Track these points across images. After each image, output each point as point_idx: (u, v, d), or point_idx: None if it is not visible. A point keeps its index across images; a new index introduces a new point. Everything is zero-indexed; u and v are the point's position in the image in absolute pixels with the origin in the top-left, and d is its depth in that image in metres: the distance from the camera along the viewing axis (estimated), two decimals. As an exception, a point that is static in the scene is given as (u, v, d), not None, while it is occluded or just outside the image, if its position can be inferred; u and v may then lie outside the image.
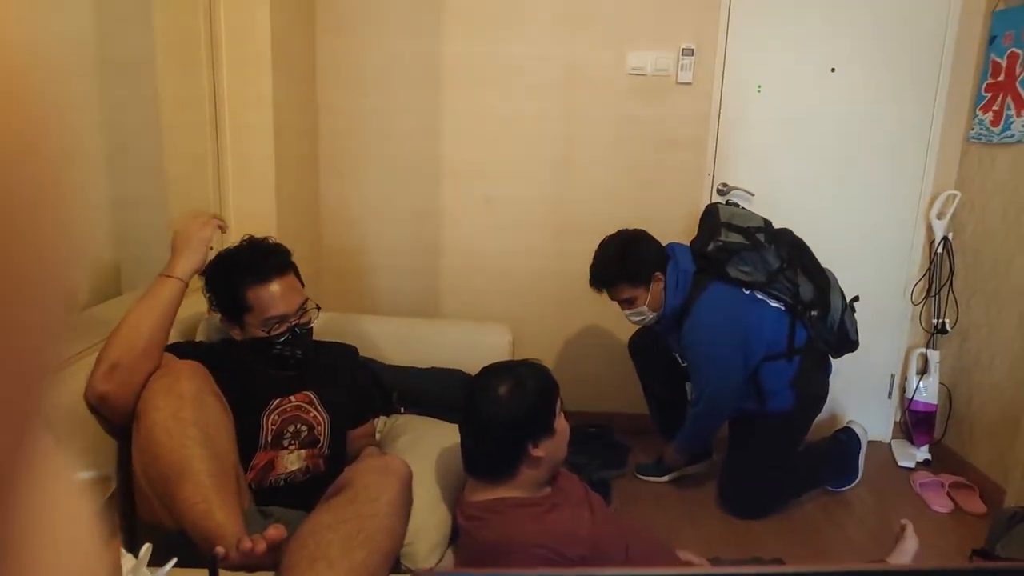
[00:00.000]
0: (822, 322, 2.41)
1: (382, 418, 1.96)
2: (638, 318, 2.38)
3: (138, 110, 2.16)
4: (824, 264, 2.57)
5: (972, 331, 2.76)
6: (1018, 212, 2.51)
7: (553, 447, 1.48)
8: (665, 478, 2.64)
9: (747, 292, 2.32)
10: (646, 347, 2.63)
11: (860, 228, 2.89)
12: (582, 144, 2.82)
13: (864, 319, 2.94)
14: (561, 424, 1.51)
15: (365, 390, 1.82)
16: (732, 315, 2.31)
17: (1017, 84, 2.48)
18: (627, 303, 2.35)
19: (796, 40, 2.75)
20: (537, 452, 1.46)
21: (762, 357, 2.34)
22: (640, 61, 2.73)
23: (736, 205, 2.55)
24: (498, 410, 1.43)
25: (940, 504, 2.57)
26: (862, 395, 3.04)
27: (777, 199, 2.85)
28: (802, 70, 2.77)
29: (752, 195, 2.85)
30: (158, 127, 2.13)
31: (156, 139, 2.14)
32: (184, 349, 1.49)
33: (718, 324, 2.30)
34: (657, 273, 2.31)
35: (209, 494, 1.18)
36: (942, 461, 2.87)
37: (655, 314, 2.36)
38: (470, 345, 2.21)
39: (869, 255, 2.91)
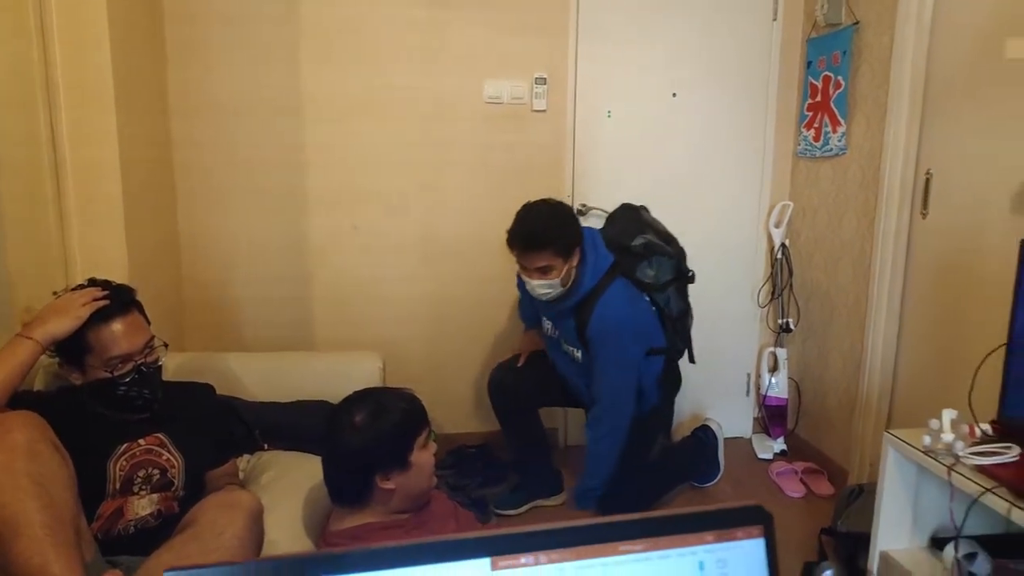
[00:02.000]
0: (681, 334, 2.53)
1: (245, 456, 1.93)
2: (546, 290, 2.28)
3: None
4: None
5: (812, 329, 3.02)
6: (840, 219, 2.79)
7: (407, 480, 1.46)
8: (522, 509, 2.61)
9: (640, 292, 2.39)
10: (506, 387, 2.59)
11: (710, 240, 3.11)
12: (446, 171, 2.90)
13: (720, 323, 3.17)
14: (421, 457, 1.49)
15: (223, 429, 1.78)
16: (637, 312, 2.35)
17: (831, 103, 2.77)
18: (543, 271, 2.24)
19: (640, 68, 2.95)
20: (387, 485, 1.44)
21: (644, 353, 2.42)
22: (496, 90, 2.85)
23: (646, 210, 2.59)
24: (348, 439, 1.42)
25: (794, 490, 2.79)
26: (723, 394, 3.26)
27: (633, 216, 3.04)
28: (647, 95, 2.97)
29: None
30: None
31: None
32: (19, 399, 1.42)
33: (625, 319, 2.30)
34: (578, 248, 2.28)
35: (44, 548, 1.14)
36: (796, 450, 3.11)
37: (561, 290, 2.29)
38: (339, 375, 2.20)
39: (720, 264, 3.14)
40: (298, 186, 2.82)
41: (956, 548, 1.64)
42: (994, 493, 1.45)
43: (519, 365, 2.60)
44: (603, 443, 2.43)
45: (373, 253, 2.91)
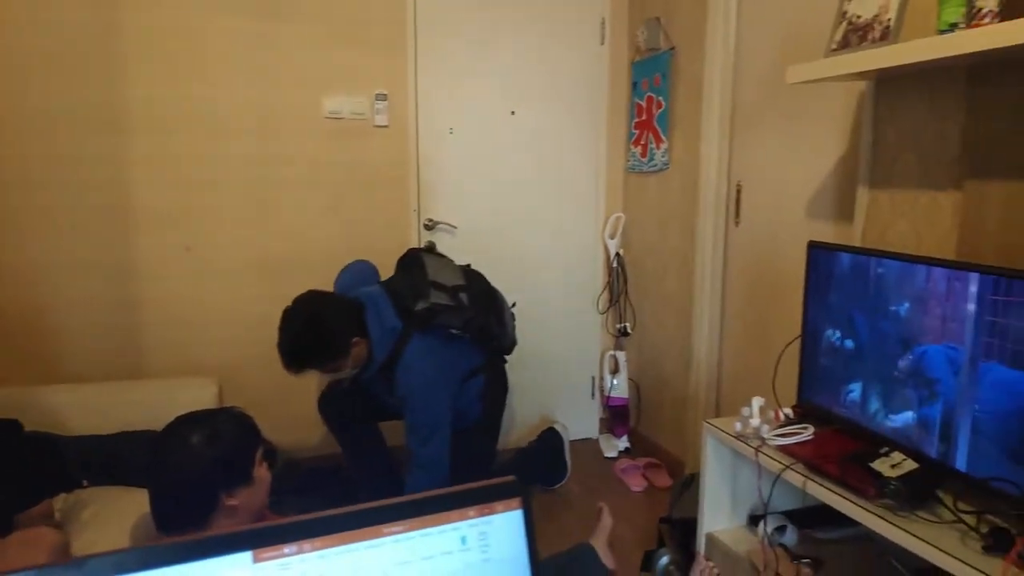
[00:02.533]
0: (500, 342, 2.55)
1: (62, 495, 1.78)
2: (339, 377, 2.31)
3: None
4: (527, 285, 2.88)
5: (647, 331, 3.23)
6: (666, 228, 3.00)
7: (250, 496, 1.44)
8: None
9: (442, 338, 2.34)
10: (336, 400, 2.58)
11: (553, 251, 3.25)
12: (285, 187, 2.83)
13: (565, 330, 3.31)
14: (261, 472, 1.48)
15: (32, 468, 1.63)
16: (441, 361, 2.32)
17: (655, 122, 2.99)
18: (331, 371, 2.24)
19: (479, 86, 3.03)
20: (231, 502, 1.41)
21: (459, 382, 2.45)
22: (336, 105, 2.82)
23: (434, 250, 2.55)
24: (190, 459, 1.36)
25: (636, 484, 2.95)
26: (570, 399, 3.40)
27: (478, 230, 3.11)
28: (487, 113, 3.06)
29: (455, 227, 3.07)
30: None
31: None
32: None
33: (429, 371, 2.28)
34: (356, 339, 2.18)
35: None
36: (639, 446, 3.29)
37: (358, 368, 2.26)
38: (170, 403, 2.07)
39: (563, 273, 3.28)
40: (122, 205, 2.64)
41: (765, 523, 1.80)
42: (792, 469, 1.62)
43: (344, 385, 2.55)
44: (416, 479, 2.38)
45: (208, 275, 2.78)
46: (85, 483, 1.80)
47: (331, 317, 2.14)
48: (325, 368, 2.18)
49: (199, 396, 2.12)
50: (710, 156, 2.64)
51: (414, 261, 2.40)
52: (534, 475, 2.87)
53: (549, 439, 2.94)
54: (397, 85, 2.90)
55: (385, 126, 2.90)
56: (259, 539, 0.40)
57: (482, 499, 0.44)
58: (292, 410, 2.95)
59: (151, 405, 2.10)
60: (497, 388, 2.61)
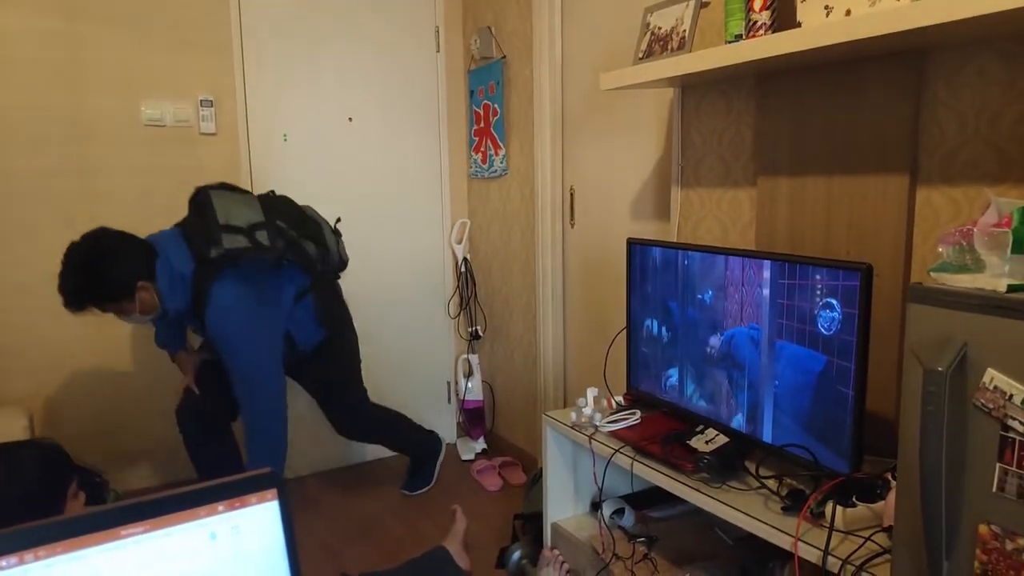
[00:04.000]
0: (325, 263, 2.45)
1: None
2: (135, 322, 2.21)
3: None
4: (377, 293, 2.94)
5: (497, 333, 3.29)
6: (508, 232, 3.08)
7: None
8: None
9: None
10: (194, 410, 2.47)
11: (401, 258, 3.24)
12: (101, 200, 2.63)
13: (417, 336, 3.31)
14: (75, 507, 1.37)
15: None
16: (253, 297, 2.19)
17: (492, 129, 3.06)
18: (117, 313, 2.09)
19: (314, 92, 2.97)
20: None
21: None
22: (157, 111, 2.66)
23: (227, 186, 2.32)
24: None
25: (492, 484, 2.99)
26: (426, 404, 3.39)
27: (320, 238, 3.04)
28: (323, 119, 3.00)
29: (296, 237, 2.98)
30: None
31: None
32: None
33: (239, 310, 2.16)
34: (142, 282, 2.06)
35: None
36: (495, 447, 3.34)
37: (151, 315, 2.14)
38: None
39: (413, 280, 3.28)
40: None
41: (602, 508, 1.89)
42: (621, 453, 1.71)
43: (195, 391, 2.44)
44: (265, 446, 2.26)
45: (15, 295, 2.53)
46: None
47: (116, 255, 2.02)
48: (107, 308, 2.05)
49: (5, 428, 1.92)
50: (544, 162, 2.75)
51: (203, 202, 2.18)
52: (407, 443, 2.95)
53: (428, 443, 2.97)
54: (224, 90, 2.78)
55: (213, 133, 2.77)
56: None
57: (233, 493, 0.44)
58: (127, 438, 2.75)
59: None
60: (334, 303, 2.50)
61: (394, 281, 3.24)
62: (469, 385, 3.32)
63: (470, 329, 3.35)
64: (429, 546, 2.29)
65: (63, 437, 2.53)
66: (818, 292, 1.41)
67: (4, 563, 0.37)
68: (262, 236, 2.17)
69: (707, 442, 1.62)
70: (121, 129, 2.62)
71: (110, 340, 2.70)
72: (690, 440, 1.64)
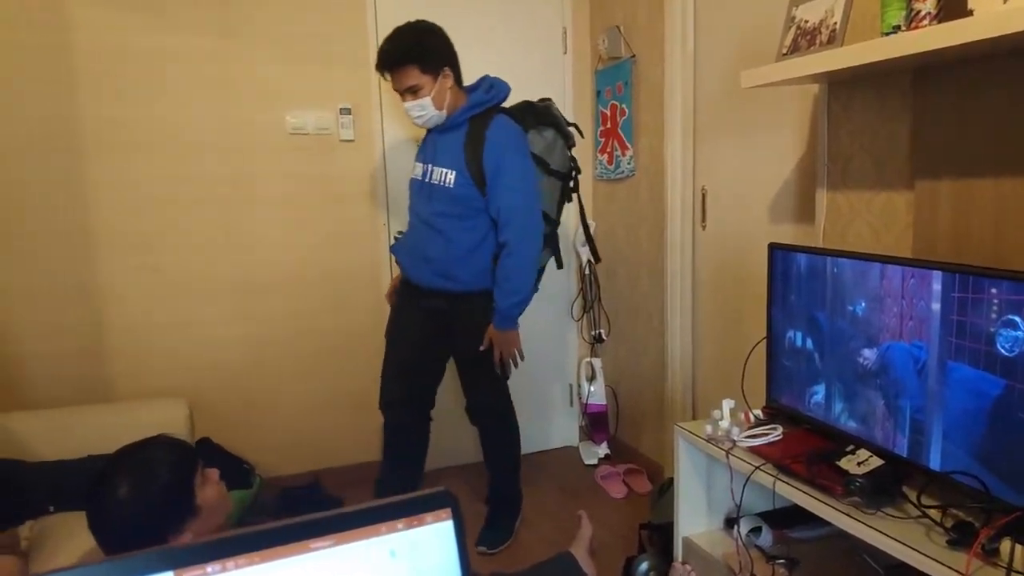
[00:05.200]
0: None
1: (29, 523, 1.75)
2: (420, 112, 2.25)
3: None
4: None
5: (621, 337, 3.24)
6: (636, 234, 3.02)
7: (202, 524, 1.38)
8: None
9: None
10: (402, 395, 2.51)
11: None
12: (252, 205, 2.81)
13: (541, 340, 3.32)
14: (207, 495, 1.40)
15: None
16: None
17: (619, 130, 3.01)
18: (411, 92, 2.22)
19: (445, 98, 3.04)
20: (183, 539, 1.33)
21: None
22: (300, 121, 2.82)
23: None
24: (123, 514, 1.28)
25: (616, 491, 2.95)
26: (549, 407, 3.40)
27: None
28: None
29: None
30: None
31: None
32: None
33: (522, 139, 2.30)
34: (447, 69, 2.24)
35: None
36: (618, 453, 3.30)
37: (437, 114, 2.26)
38: (142, 425, 2.05)
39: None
40: (83, 227, 2.61)
41: (739, 525, 1.81)
42: (762, 470, 1.63)
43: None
44: (520, 266, 2.29)
45: (177, 295, 2.75)
46: (51, 509, 1.77)
47: (437, 37, 2.25)
48: (410, 78, 2.20)
49: (169, 417, 2.10)
50: (674, 162, 2.67)
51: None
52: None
53: (519, 491, 2.72)
54: (361, 98, 2.90)
55: (351, 140, 2.90)
56: (181, 558, 0.40)
57: (411, 511, 0.45)
58: (269, 429, 2.93)
59: (120, 427, 2.04)
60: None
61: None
62: (592, 389, 3.29)
63: (593, 332, 3.32)
64: (554, 550, 2.28)
65: (216, 426, 2.75)
66: (995, 307, 1.28)
67: (210, 568, 0.39)
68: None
69: (859, 464, 1.51)
70: (268, 138, 2.80)
71: (260, 339, 2.89)
72: (839, 461, 1.54)
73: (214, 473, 1.46)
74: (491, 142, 2.22)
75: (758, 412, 1.92)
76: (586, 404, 3.31)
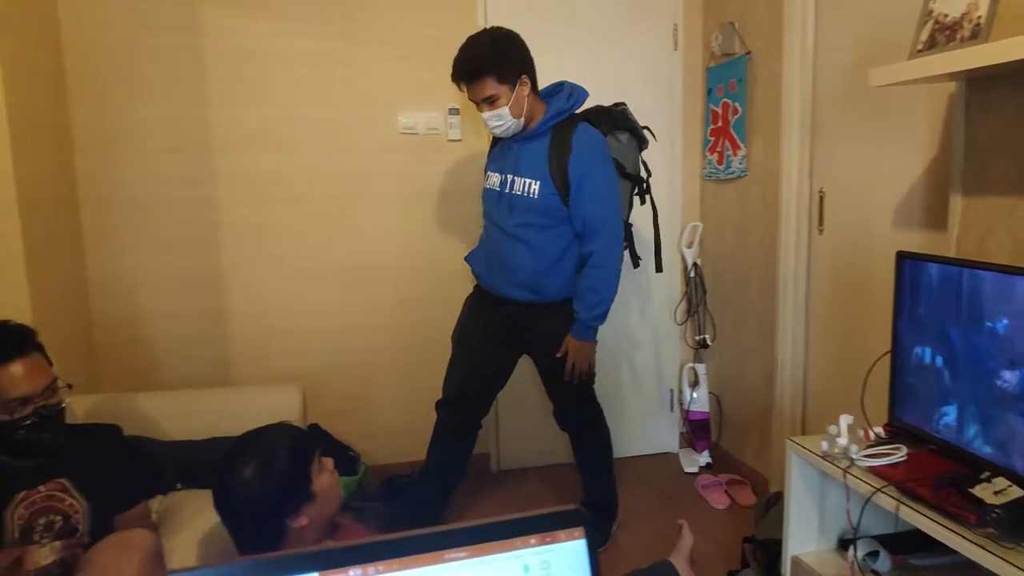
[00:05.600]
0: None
1: (159, 497, 1.88)
2: (498, 122, 2.19)
3: None
4: None
5: (727, 343, 3.14)
6: (746, 236, 2.92)
7: (317, 509, 1.44)
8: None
9: None
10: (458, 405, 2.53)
11: (627, 262, 3.20)
12: (364, 200, 2.91)
13: (641, 342, 3.27)
14: (322, 482, 1.47)
15: (131, 471, 1.73)
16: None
17: (731, 128, 2.92)
18: (488, 102, 2.17)
19: (552, 97, 3.03)
20: (299, 522, 1.41)
21: None
22: (411, 121, 2.89)
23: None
24: (246, 494, 1.37)
25: (719, 501, 2.87)
26: (648, 411, 3.34)
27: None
28: (560, 123, 3.06)
29: (529, 239, 3.08)
30: None
31: None
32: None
33: (607, 155, 2.27)
34: (524, 77, 2.19)
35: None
36: (720, 462, 3.20)
37: (515, 122, 2.21)
38: (260, 409, 2.18)
39: (638, 285, 3.24)
40: (209, 220, 2.79)
41: (855, 548, 1.72)
42: (884, 492, 1.54)
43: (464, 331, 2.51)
44: (606, 278, 2.28)
45: (293, 285, 2.89)
46: (179, 486, 1.89)
47: (514, 46, 2.20)
48: (487, 88, 2.15)
49: (284, 403, 2.20)
50: (791, 162, 2.56)
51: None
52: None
53: (615, 494, 2.67)
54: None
55: (459, 140, 2.95)
56: (326, 561, 0.41)
57: (545, 527, 0.44)
58: (376, 417, 3.03)
59: (240, 411, 2.17)
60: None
61: (621, 284, 3.20)
62: (694, 395, 3.21)
63: (697, 337, 3.23)
64: (652, 557, 2.24)
65: (324, 413, 2.86)
66: None
67: (352, 572, 0.40)
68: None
69: (995, 493, 1.39)
70: (381, 137, 2.89)
71: (368, 329, 2.99)
72: (972, 488, 1.43)
73: (329, 462, 1.52)
74: (577, 151, 2.18)
75: (879, 430, 1.81)
76: (687, 410, 3.23)
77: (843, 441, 1.71)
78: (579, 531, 0.45)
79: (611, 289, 2.27)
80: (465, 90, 2.21)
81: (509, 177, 2.29)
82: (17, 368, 1.47)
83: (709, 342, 3.21)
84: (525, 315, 2.34)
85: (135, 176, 2.70)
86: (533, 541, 0.44)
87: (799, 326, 2.64)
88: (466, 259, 2.54)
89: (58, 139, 2.52)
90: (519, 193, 2.25)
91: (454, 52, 2.89)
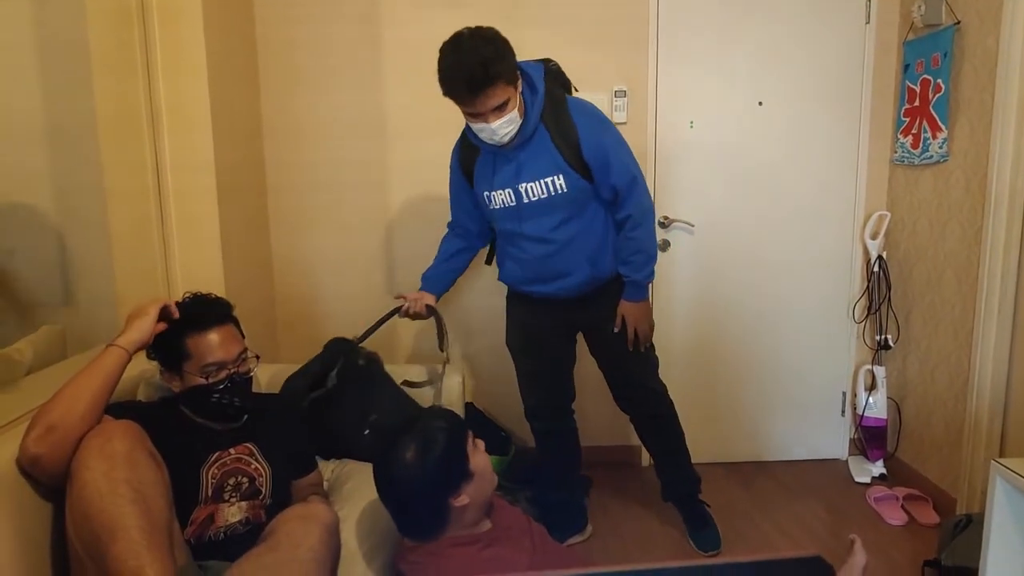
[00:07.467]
0: None
1: (330, 466, 1.99)
2: (509, 127, 2.00)
3: (83, 176, 2.23)
4: (770, 288, 2.89)
5: (913, 345, 2.85)
6: (942, 228, 2.62)
7: (476, 488, 1.48)
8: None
9: None
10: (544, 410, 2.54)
11: (800, 252, 2.99)
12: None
13: (811, 339, 3.06)
14: (478, 461, 1.51)
15: (307, 440, 1.84)
16: None
17: (931, 108, 2.61)
18: (499, 110, 1.96)
19: (724, 77, 2.88)
20: (460, 501, 1.46)
21: None
22: (576, 103, 2.84)
23: None
24: (409, 476, 1.43)
25: (894, 517, 2.62)
26: (816, 414, 3.12)
27: (717, 228, 2.96)
28: (731, 105, 2.90)
29: (693, 226, 2.95)
30: (102, 193, 2.19)
31: (101, 205, 2.20)
32: (121, 409, 1.51)
33: (599, 110, 2.19)
34: (517, 72, 2.02)
35: (141, 551, 1.20)
36: (896, 474, 2.93)
37: (519, 122, 2.03)
38: (424, 388, 2.27)
39: (810, 277, 3.01)
40: (381, 203, 2.92)
41: (1075, 591, 1.49)
42: (1119, 532, 1.32)
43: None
44: (648, 233, 2.21)
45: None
46: (367, 432, 2.00)
47: (498, 34, 1.98)
48: (499, 95, 1.92)
49: (446, 383, 2.26)
50: (1004, 147, 2.25)
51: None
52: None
53: (697, 478, 2.56)
54: (637, 81, 2.86)
55: (623, 123, 2.87)
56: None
57: (786, 574, 0.39)
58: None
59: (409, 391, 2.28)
60: None
61: (790, 276, 3.01)
62: (870, 400, 2.94)
63: (878, 337, 2.96)
64: None
65: (478, 393, 2.92)
66: None
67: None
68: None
69: None
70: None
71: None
72: None
73: (481, 443, 1.56)
74: (581, 127, 2.07)
75: (1111, 458, 1.55)
76: (861, 416, 2.97)
77: (1065, 469, 1.49)
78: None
79: (655, 243, 2.26)
80: (467, 104, 1.96)
81: (521, 187, 2.11)
82: (215, 336, 1.59)
83: (892, 343, 2.93)
84: (577, 303, 2.28)
85: (315, 161, 2.87)
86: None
87: (1004, 333, 2.34)
88: (502, 279, 2.43)
89: (249, 128, 2.72)
90: (543, 196, 2.10)
91: (623, 31, 2.82)
